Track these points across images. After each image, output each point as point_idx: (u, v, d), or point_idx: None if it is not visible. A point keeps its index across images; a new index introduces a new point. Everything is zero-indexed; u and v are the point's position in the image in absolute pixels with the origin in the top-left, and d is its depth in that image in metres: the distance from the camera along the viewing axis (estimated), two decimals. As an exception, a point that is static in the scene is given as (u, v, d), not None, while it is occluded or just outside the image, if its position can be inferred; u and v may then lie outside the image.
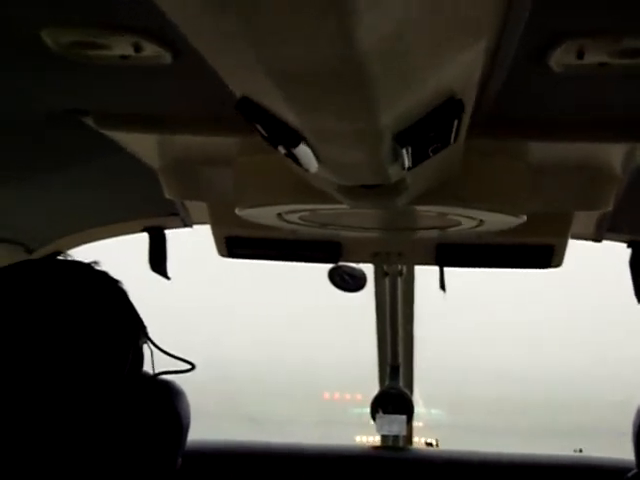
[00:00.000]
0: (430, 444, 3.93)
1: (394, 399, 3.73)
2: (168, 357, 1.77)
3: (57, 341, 1.54)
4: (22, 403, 1.52)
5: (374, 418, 3.73)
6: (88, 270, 1.68)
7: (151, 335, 1.73)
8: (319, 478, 3.52)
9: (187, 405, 1.84)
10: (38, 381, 1.52)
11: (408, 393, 3.80)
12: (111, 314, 1.63)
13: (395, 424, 3.67)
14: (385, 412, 3.69)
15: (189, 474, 3.48)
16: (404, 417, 3.69)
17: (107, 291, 1.67)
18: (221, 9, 0.78)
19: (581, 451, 3.82)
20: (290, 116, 1.11)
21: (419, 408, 3.75)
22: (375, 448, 3.81)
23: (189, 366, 1.78)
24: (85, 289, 1.64)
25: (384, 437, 3.85)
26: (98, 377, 1.57)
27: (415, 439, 4.02)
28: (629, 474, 2.56)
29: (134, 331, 1.67)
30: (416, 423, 3.93)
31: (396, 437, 3.82)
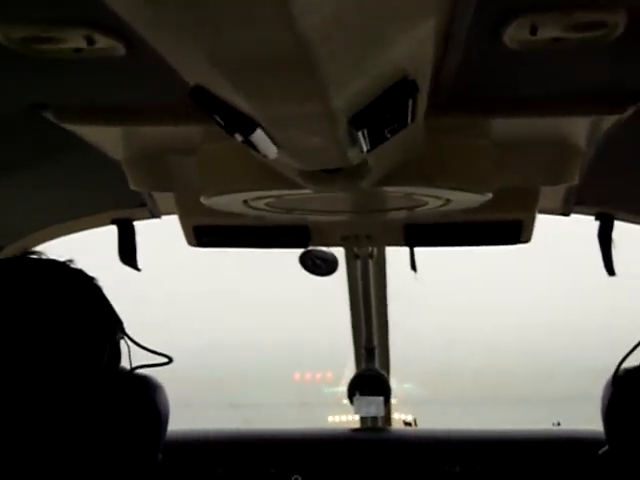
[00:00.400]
0: (409, 423, 3.95)
1: (371, 381, 3.74)
2: (146, 352, 1.77)
3: (34, 338, 1.54)
4: None
5: (351, 400, 3.74)
6: (63, 268, 1.69)
7: (127, 326, 1.73)
8: (300, 462, 3.53)
9: (166, 399, 1.83)
10: (15, 378, 1.52)
11: (385, 374, 3.81)
12: (87, 310, 1.64)
13: (373, 405, 3.68)
14: (362, 394, 3.70)
15: (171, 465, 3.48)
16: (381, 398, 3.70)
17: (82, 288, 1.67)
18: (161, 0, 0.78)
19: (559, 424, 3.85)
20: (243, 103, 1.11)
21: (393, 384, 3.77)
22: (354, 430, 3.82)
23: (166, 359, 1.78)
24: (61, 286, 1.64)
25: (363, 419, 3.86)
26: (75, 373, 1.57)
27: (395, 416, 4.04)
28: (600, 451, 2.57)
29: (110, 326, 1.67)
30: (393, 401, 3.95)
31: (375, 418, 3.84)
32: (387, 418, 3.91)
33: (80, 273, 1.70)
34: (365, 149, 1.36)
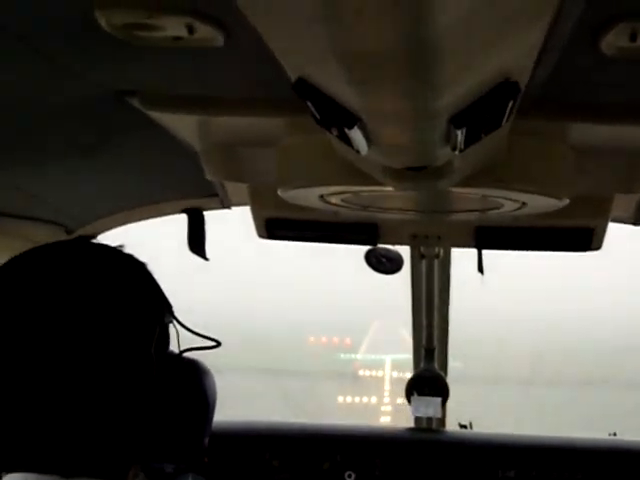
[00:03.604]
0: (464, 426, 3.94)
1: (429, 382, 3.74)
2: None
3: (84, 320, 1.56)
4: (50, 380, 1.54)
5: (409, 400, 3.74)
6: (115, 253, 1.71)
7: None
8: (354, 459, 3.54)
9: (213, 383, 1.85)
10: (66, 359, 1.54)
11: (443, 375, 3.81)
12: (137, 294, 1.66)
13: (431, 406, 3.68)
14: (420, 394, 3.70)
15: (227, 456, 3.51)
16: (439, 399, 3.70)
17: (133, 272, 1.69)
18: None
19: (615, 435, 3.82)
20: (349, 97, 1.12)
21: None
22: (410, 429, 3.82)
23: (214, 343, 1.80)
24: (112, 270, 1.66)
25: (418, 419, 3.86)
26: (125, 355, 1.59)
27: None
28: None
29: (160, 310, 1.69)
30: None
31: (430, 419, 3.83)
32: (442, 419, 3.90)
33: (131, 258, 1.72)
34: (459, 148, 1.36)
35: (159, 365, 1.64)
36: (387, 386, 29.31)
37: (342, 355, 36.19)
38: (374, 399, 25.71)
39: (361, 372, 34.05)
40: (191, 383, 1.76)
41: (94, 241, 1.78)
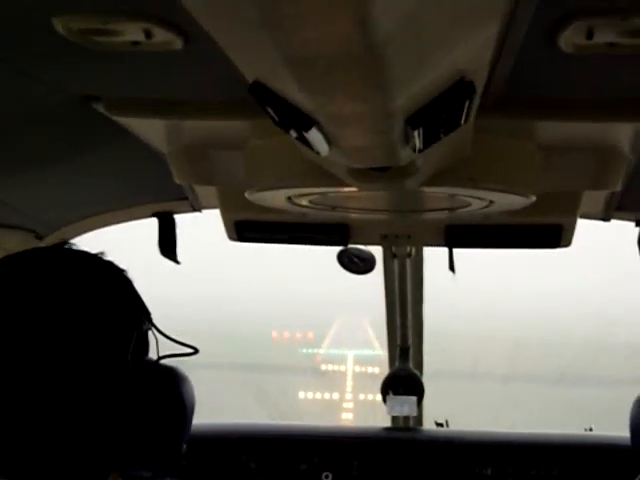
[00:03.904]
0: (441, 424, 3.95)
1: (404, 381, 3.75)
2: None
3: (63, 326, 1.55)
4: (28, 387, 1.53)
5: (385, 400, 3.74)
6: (94, 259, 1.70)
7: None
8: (331, 459, 3.54)
9: (192, 390, 1.85)
10: (43, 366, 1.54)
11: (418, 374, 3.82)
12: (116, 300, 1.65)
13: (406, 405, 3.68)
14: (396, 393, 3.71)
15: (203, 459, 3.51)
16: (414, 398, 3.71)
17: (112, 279, 1.69)
18: None
19: (591, 430, 3.83)
20: (303, 100, 1.12)
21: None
22: (386, 429, 3.83)
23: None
24: (92, 277, 1.66)
25: (395, 418, 3.87)
26: (102, 361, 1.59)
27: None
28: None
29: (138, 317, 1.69)
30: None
31: (406, 418, 3.84)
32: (419, 418, 3.91)
33: (110, 265, 1.72)
34: (418, 148, 1.36)
35: (136, 372, 1.64)
36: (349, 382, 29.13)
37: (304, 350, 35.93)
38: (336, 395, 25.50)
39: (323, 367, 33.79)
40: (169, 390, 1.76)
41: (75, 247, 1.77)
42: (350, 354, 35.30)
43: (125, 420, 1.62)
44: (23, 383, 1.53)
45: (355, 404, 23.26)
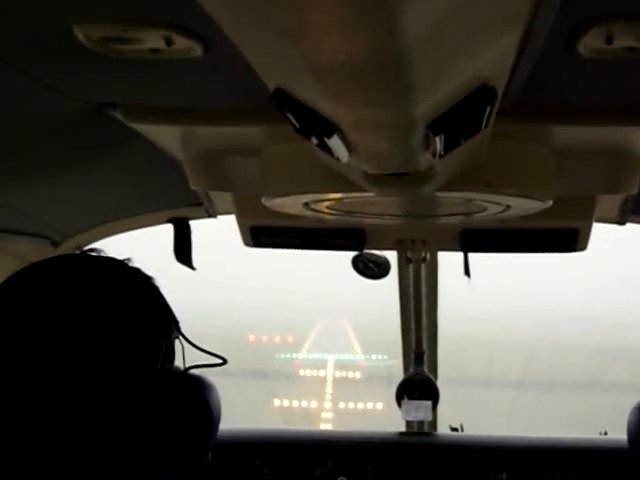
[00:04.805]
0: (455, 429, 3.94)
1: (419, 385, 3.74)
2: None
3: (90, 336, 1.56)
4: (55, 396, 1.54)
5: (399, 404, 3.74)
6: (122, 266, 1.71)
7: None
8: (345, 464, 3.54)
9: (218, 399, 1.85)
10: (72, 375, 1.54)
11: (433, 379, 3.81)
12: (144, 309, 1.66)
13: (421, 410, 3.68)
14: (410, 398, 3.71)
15: (218, 464, 3.51)
16: (429, 403, 3.71)
17: (140, 287, 1.69)
18: (273, 5, 0.79)
19: (606, 434, 3.82)
20: (326, 107, 1.12)
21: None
22: (401, 434, 3.83)
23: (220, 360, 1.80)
24: (120, 285, 1.66)
25: (409, 423, 3.87)
26: (131, 371, 1.59)
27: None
28: None
29: (167, 326, 1.69)
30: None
31: (421, 422, 3.84)
32: (433, 423, 3.91)
33: (138, 272, 1.72)
34: (439, 154, 1.36)
35: (164, 381, 1.64)
36: (329, 389, 28.73)
37: (282, 355, 35.40)
38: (314, 404, 25.09)
39: (302, 372, 33.32)
40: (195, 398, 1.77)
41: (101, 254, 1.77)
42: (331, 358, 34.97)
43: (150, 428, 1.63)
44: (52, 392, 1.54)
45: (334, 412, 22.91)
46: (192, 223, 3.08)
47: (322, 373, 32.43)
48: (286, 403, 24.36)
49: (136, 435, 1.60)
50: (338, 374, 30.86)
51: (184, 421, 1.72)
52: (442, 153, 1.37)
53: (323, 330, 44.30)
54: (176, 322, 1.73)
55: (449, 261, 3.43)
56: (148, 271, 1.75)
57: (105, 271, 1.68)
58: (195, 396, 1.77)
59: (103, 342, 1.56)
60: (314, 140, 1.29)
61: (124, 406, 1.58)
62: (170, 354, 1.72)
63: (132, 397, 1.59)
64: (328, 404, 25.08)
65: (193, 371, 1.75)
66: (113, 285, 1.65)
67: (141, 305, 1.66)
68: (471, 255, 3.04)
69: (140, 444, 1.61)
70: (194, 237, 3.08)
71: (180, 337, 1.74)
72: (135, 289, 1.68)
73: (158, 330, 1.66)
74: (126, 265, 1.72)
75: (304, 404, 24.72)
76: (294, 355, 36.04)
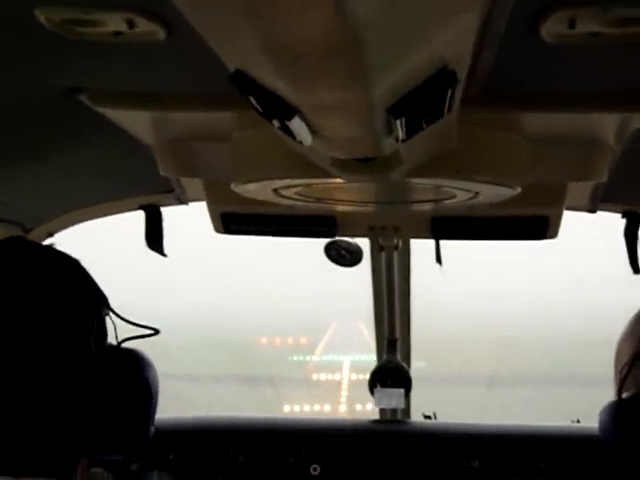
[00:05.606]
0: (428, 417, 3.95)
1: (392, 373, 3.75)
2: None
3: (22, 319, 1.57)
4: None
5: (372, 392, 3.75)
6: (49, 251, 1.72)
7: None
8: (318, 452, 3.55)
9: (155, 372, 1.86)
10: (6, 358, 1.55)
11: (406, 367, 3.82)
12: (73, 289, 1.68)
13: (394, 398, 3.69)
14: (383, 386, 3.71)
15: (191, 451, 3.51)
16: (402, 390, 3.71)
17: (67, 269, 1.71)
18: None
19: (579, 421, 3.84)
20: (284, 89, 1.12)
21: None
22: (374, 422, 3.83)
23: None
24: (47, 268, 1.68)
25: (382, 410, 3.87)
26: (65, 349, 1.60)
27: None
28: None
29: (96, 303, 1.71)
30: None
31: (394, 410, 3.85)
32: (407, 410, 3.91)
33: (64, 255, 1.74)
34: (400, 138, 1.36)
35: (99, 357, 1.66)
36: (345, 391, 28.63)
37: (295, 357, 35.06)
38: (327, 407, 24.94)
39: (315, 376, 33.14)
40: (132, 372, 1.79)
41: (51, 242, 1.78)
42: (346, 360, 34.48)
43: (90, 405, 1.64)
44: None
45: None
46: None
47: (337, 376, 32.41)
48: (297, 408, 24.21)
49: (74, 413, 1.61)
50: (354, 376, 30.68)
51: (122, 395, 1.74)
52: (404, 137, 1.36)
53: (337, 331, 43.94)
54: (105, 299, 1.75)
55: (420, 253, 3.44)
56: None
57: (31, 255, 1.70)
58: (131, 369, 1.79)
59: (33, 324, 1.58)
60: (276, 123, 1.29)
61: (60, 385, 1.59)
62: (102, 331, 1.74)
63: (68, 375, 1.60)
64: (343, 407, 25.00)
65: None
66: (39, 267, 1.67)
67: (69, 285, 1.68)
68: (445, 248, 3.04)
69: (79, 422, 1.63)
70: (166, 224, 3.07)
71: (110, 313, 1.76)
72: (61, 270, 1.70)
73: (87, 308, 1.69)
74: (52, 249, 1.74)
75: (317, 407, 24.71)
76: (307, 357, 35.66)
